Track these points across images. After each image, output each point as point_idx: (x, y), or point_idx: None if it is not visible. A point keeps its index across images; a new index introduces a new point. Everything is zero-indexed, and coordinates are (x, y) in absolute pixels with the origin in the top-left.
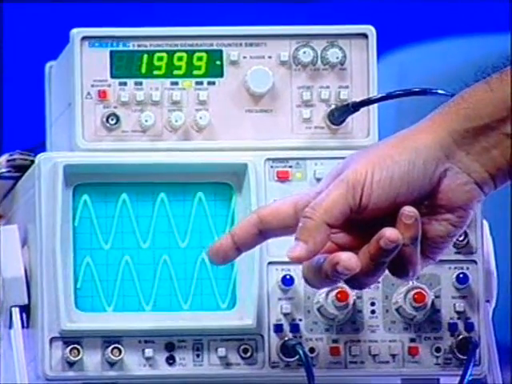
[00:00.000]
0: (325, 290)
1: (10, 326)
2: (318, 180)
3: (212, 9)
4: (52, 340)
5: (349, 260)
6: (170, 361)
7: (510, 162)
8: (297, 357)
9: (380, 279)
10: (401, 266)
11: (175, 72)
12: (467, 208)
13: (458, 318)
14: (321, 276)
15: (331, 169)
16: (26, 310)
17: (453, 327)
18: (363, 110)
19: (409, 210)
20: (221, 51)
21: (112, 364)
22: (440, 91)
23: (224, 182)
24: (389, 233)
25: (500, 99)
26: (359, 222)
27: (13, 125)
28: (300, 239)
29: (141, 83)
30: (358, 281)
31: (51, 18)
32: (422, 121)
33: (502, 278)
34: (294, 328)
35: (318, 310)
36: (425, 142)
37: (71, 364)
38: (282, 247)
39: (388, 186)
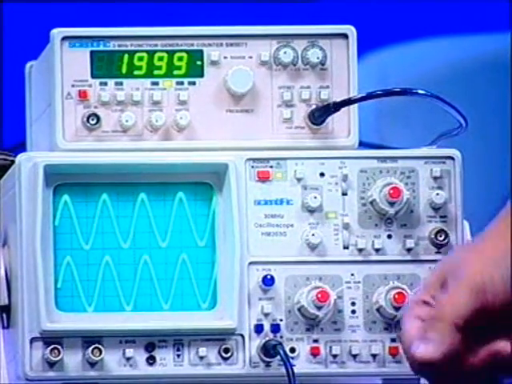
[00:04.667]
0: (305, 289)
1: None
2: (299, 180)
3: (208, 9)
4: (32, 340)
5: None
6: (151, 361)
7: None
8: (277, 357)
9: (361, 279)
10: None
11: (156, 72)
12: None
13: None
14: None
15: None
16: (6, 310)
17: None
18: (344, 110)
19: None
20: (201, 51)
21: (92, 364)
22: (420, 91)
23: (204, 182)
24: None
25: None
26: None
27: None
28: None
29: (121, 83)
30: None
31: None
32: None
33: None
34: (275, 328)
35: (299, 310)
36: None
37: (51, 364)
38: (262, 247)
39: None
